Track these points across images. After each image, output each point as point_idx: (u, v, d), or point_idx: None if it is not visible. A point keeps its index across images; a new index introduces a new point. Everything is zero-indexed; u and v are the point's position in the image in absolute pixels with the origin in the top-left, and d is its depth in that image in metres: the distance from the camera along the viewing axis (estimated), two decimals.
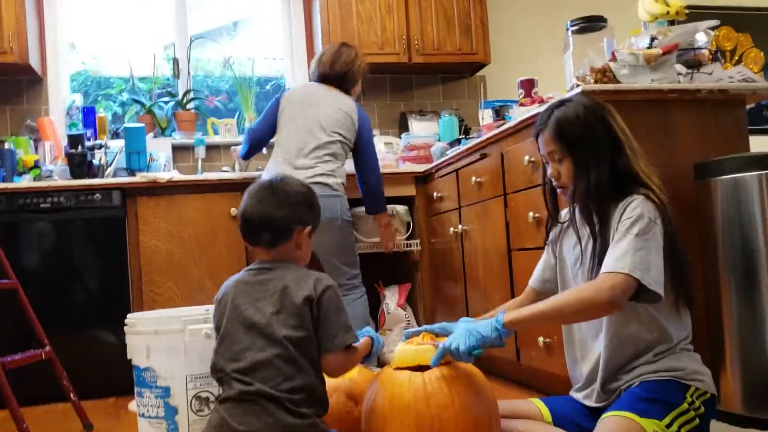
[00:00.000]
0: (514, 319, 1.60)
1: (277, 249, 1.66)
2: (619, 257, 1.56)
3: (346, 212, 3.10)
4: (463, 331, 1.60)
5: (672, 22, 2.62)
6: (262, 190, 1.68)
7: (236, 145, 4.19)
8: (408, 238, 3.68)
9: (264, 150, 3.47)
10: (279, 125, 3.17)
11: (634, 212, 1.60)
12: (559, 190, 1.79)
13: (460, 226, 3.24)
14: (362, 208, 3.38)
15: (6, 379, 2.22)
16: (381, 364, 3.41)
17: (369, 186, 3.19)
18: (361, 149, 3.18)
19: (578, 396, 1.82)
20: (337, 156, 3.09)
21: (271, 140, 3.26)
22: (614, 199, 1.67)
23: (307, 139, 3.05)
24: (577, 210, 1.72)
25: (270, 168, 3.13)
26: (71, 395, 2.59)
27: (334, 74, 3.19)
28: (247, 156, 3.37)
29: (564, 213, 1.85)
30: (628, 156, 1.68)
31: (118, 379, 3.10)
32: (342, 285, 3.09)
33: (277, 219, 1.65)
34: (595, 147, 1.67)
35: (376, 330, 3.19)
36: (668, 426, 1.53)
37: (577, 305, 1.57)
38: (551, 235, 1.90)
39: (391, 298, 3.64)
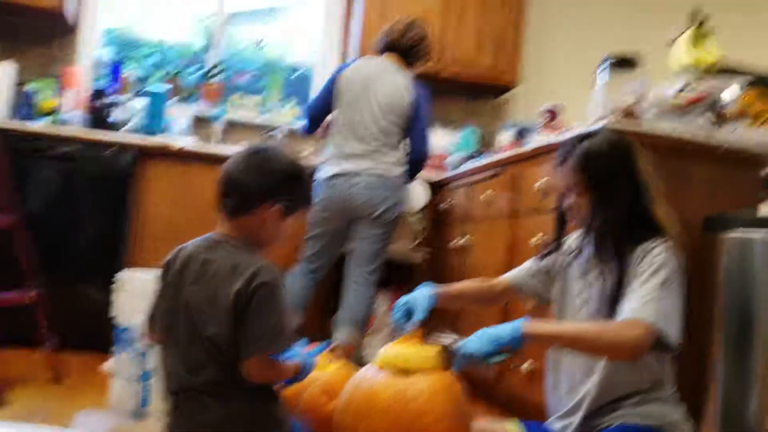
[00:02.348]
0: (535, 332, 1.55)
1: (237, 221, 1.53)
2: (645, 304, 1.53)
3: (401, 206, 3.13)
4: (481, 337, 1.57)
5: (705, 74, 2.61)
6: (246, 152, 1.55)
7: (255, 126, 4.23)
8: (415, 248, 3.67)
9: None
10: (337, 107, 3.16)
11: (658, 258, 1.58)
12: (573, 223, 1.77)
13: (464, 239, 3.23)
14: None
15: None
16: (361, 364, 3.40)
17: (410, 159, 3.19)
18: (411, 122, 3.15)
19: (556, 426, 1.81)
20: (397, 144, 3.12)
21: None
22: (632, 240, 1.64)
23: (367, 128, 3.06)
24: (590, 246, 1.71)
25: (327, 155, 3.15)
26: (47, 344, 2.58)
27: (405, 43, 3.17)
28: (310, 131, 3.35)
29: (570, 243, 1.84)
30: (650, 200, 1.66)
31: (98, 336, 3.10)
32: (357, 276, 3.11)
33: (243, 184, 1.50)
34: (617, 186, 1.65)
35: (365, 329, 3.19)
36: None
37: (601, 342, 1.53)
38: (551, 261, 1.89)
39: (383, 302, 3.63)
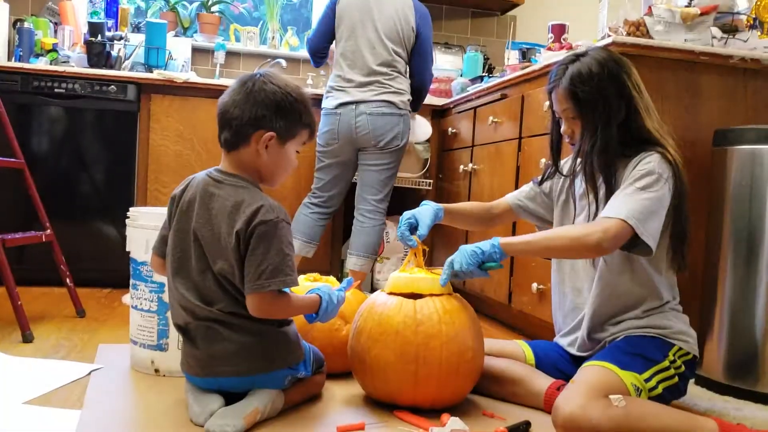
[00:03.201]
0: (509, 242, 1.64)
1: (235, 153, 1.54)
2: (619, 204, 1.58)
3: (407, 135, 3.12)
4: (463, 251, 1.64)
5: None
6: (238, 83, 1.54)
7: (256, 55, 4.16)
8: (422, 176, 3.66)
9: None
10: (338, 36, 3.11)
11: (646, 167, 1.60)
12: (571, 147, 1.78)
13: (470, 165, 3.22)
14: None
15: (5, 256, 2.25)
16: (374, 290, 3.46)
17: (414, 86, 3.16)
18: (414, 46, 3.11)
19: (563, 342, 1.85)
20: (401, 71, 3.09)
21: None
22: (625, 156, 1.66)
23: (369, 56, 3.03)
24: (581, 169, 1.71)
25: (330, 85, 3.12)
26: (67, 280, 2.63)
27: None
28: (317, 65, 3.31)
29: (567, 166, 1.84)
30: (642, 116, 1.66)
31: (115, 271, 3.17)
32: (366, 204, 3.13)
33: (234, 117, 1.50)
34: (607, 107, 1.64)
35: (375, 256, 3.22)
36: (647, 380, 1.56)
37: (567, 241, 1.60)
38: (552, 182, 1.91)
39: (393, 228, 3.66)
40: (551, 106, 1.77)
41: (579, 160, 1.72)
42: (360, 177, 3.16)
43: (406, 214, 1.81)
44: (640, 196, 1.57)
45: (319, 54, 3.22)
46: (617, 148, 1.65)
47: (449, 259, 1.66)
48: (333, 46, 3.19)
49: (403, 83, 3.09)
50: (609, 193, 1.65)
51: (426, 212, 1.82)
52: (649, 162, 1.60)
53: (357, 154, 3.12)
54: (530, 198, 1.95)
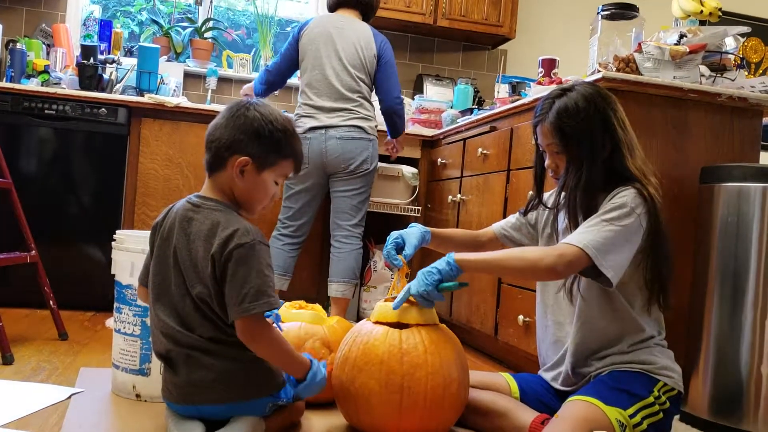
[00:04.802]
0: (464, 258, 1.64)
1: (214, 177, 1.56)
2: (581, 233, 1.58)
3: (376, 159, 3.18)
4: (419, 275, 1.65)
5: (703, 23, 2.58)
6: (226, 108, 1.57)
7: (248, 82, 4.17)
8: (411, 203, 3.67)
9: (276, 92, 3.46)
10: (302, 67, 3.17)
11: (619, 200, 1.61)
12: (555, 180, 1.79)
13: (459, 196, 3.23)
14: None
15: None
16: (360, 318, 3.43)
17: (384, 110, 3.21)
18: (377, 72, 3.18)
19: (547, 376, 1.84)
20: (366, 97, 3.15)
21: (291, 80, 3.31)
22: (605, 191, 1.67)
23: (336, 84, 3.08)
24: (564, 203, 1.72)
25: (297, 113, 3.15)
26: (51, 302, 2.60)
27: None
28: (263, 95, 3.34)
29: (552, 199, 1.85)
30: (624, 153, 1.67)
31: (99, 294, 3.15)
32: (341, 230, 3.14)
33: (215, 140, 1.53)
34: (592, 143, 1.65)
35: (361, 284, 3.21)
36: (631, 416, 1.55)
37: (521, 263, 1.60)
38: (537, 214, 1.92)
39: (380, 257, 3.65)
40: (536, 139, 1.78)
41: (563, 194, 1.73)
42: (333, 204, 3.19)
43: (394, 234, 1.82)
44: (604, 227, 1.57)
45: (280, 81, 3.28)
46: (599, 185, 1.66)
47: (407, 284, 1.67)
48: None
49: (370, 110, 3.16)
50: None
51: (413, 233, 1.82)
52: (624, 196, 1.61)
53: (327, 181, 3.15)
54: (515, 228, 1.96)
